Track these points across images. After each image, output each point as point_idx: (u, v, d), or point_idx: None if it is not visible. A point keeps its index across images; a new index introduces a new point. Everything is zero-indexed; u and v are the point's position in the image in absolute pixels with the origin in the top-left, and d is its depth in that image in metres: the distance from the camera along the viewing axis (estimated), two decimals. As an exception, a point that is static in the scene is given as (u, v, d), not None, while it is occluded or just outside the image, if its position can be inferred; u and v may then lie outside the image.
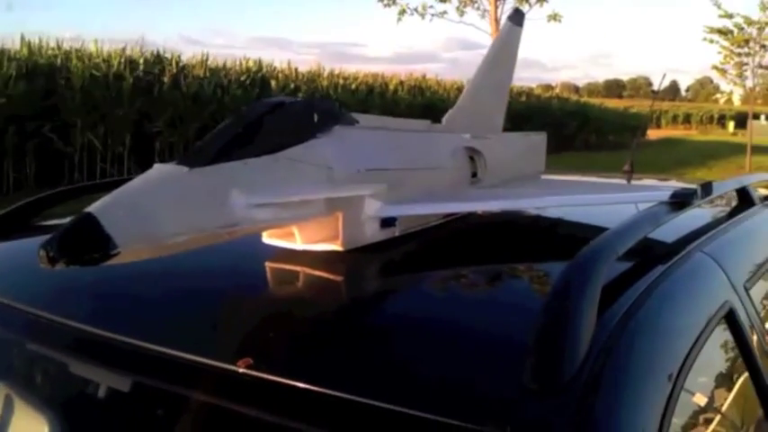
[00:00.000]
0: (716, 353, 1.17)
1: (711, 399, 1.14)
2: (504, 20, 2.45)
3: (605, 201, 1.58)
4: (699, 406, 1.07)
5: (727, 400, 1.19)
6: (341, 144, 1.20)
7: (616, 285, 1.02)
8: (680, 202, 1.25)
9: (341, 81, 16.70)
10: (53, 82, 10.76)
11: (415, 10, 9.40)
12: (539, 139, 2.06)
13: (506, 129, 2.07)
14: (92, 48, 12.16)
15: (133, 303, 1.13)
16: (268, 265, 1.21)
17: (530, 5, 9.31)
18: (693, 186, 1.30)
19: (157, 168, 0.95)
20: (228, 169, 0.98)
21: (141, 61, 12.45)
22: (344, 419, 0.81)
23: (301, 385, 0.83)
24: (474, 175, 1.59)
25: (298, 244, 1.18)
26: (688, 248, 1.25)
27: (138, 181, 0.92)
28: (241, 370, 0.85)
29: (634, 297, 0.99)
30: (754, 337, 1.22)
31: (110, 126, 11.17)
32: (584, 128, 25.26)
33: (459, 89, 19.86)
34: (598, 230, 1.03)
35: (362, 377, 0.86)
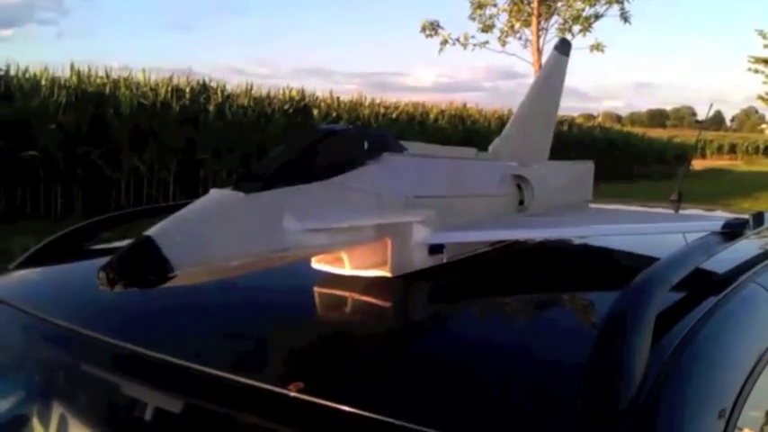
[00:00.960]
0: None
1: None
2: (548, 49, 2.46)
3: (655, 230, 1.57)
4: None
5: None
6: (389, 171, 1.21)
7: (669, 315, 1.01)
8: (731, 232, 1.24)
9: (382, 110, 16.82)
10: (102, 109, 11.05)
11: (457, 40, 9.41)
12: (586, 168, 2.05)
13: (549, 158, 2.06)
14: (140, 77, 12.47)
15: (183, 325, 1.15)
16: (317, 289, 1.22)
17: (572, 35, 9.27)
18: (745, 216, 1.29)
19: (214, 193, 0.98)
20: (282, 195, 1.00)
21: (187, 90, 12.73)
22: None
23: (346, 409, 0.83)
24: (521, 203, 1.59)
25: (347, 269, 1.19)
26: (741, 279, 1.24)
27: (196, 205, 0.94)
28: (292, 394, 0.86)
29: (688, 327, 0.98)
30: None
31: (156, 153, 11.40)
32: (627, 157, 25.01)
33: (501, 118, 19.88)
34: (649, 260, 1.03)
35: (410, 404, 0.86)
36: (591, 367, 0.79)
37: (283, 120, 13.55)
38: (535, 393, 0.86)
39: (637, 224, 1.66)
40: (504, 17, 9.43)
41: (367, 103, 16.83)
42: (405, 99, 18.72)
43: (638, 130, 40.20)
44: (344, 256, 1.18)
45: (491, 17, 9.45)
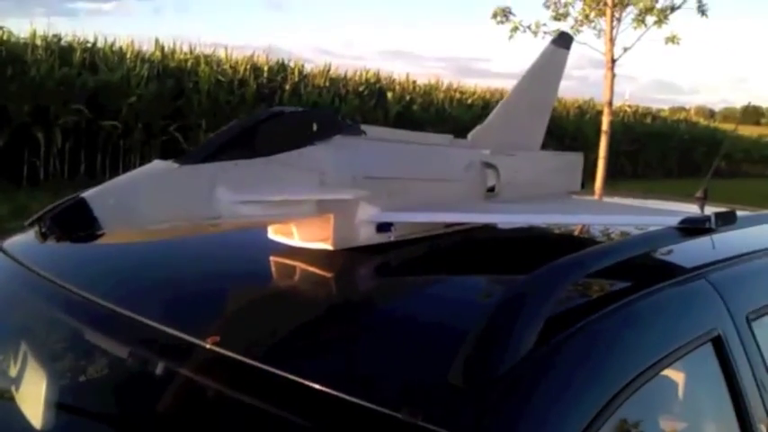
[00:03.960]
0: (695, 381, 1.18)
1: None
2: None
3: (611, 222, 1.65)
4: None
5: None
6: (338, 152, 1.27)
7: (582, 301, 1.05)
8: (690, 228, 1.25)
9: (457, 95, 16.74)
10: (182, 84, 11.41)
11: (528, 27, 9.24)
12: (574, 159, 2.06)
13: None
14: (221, 54, 12.80)
15: (144, 285, 1.25)
16: (271, 258, 1.31)
17: (645, 26, 8.98)
18: (707, 214, 1.29)
19: (153, 164, 1.06)
20: (218, 168, 1.07)
21: (266, 69, 12.99)
22: (284, 396, 0.90)
23: (246, 361, 0.94)
24: (492, 189, 1.62)
25: (295, 241, 1.27)
26: (688, 274, 1.25)
27: (135, 173, 1.03)
28: (208, 346, 0.94)
29: (596, 315, 1.00)
30: (743, 368, 1.19)
31: (231, 129, 11.68)
32: (713, 154, 24.13)
33: (580, 108, 19.50)
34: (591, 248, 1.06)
35: (308, 363, 0.95)
36: (468, 342, 0.84)
37: (357, 101, 13.67)
38: (419, 361, 0.93)
39: (596, 215, 1.74)
40: (578, 6, 9.20)
41: (443, 88, 16.78)
42: (482, 85, 18.60)
43: (729, 125, 38.57)
44: (294, 228, 1.26)
45: (565, 5, 9.24)
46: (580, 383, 0.91)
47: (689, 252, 1.36)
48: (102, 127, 10.30)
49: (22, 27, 10.93)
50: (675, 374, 1.14)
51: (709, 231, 1.27)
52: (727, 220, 1.29)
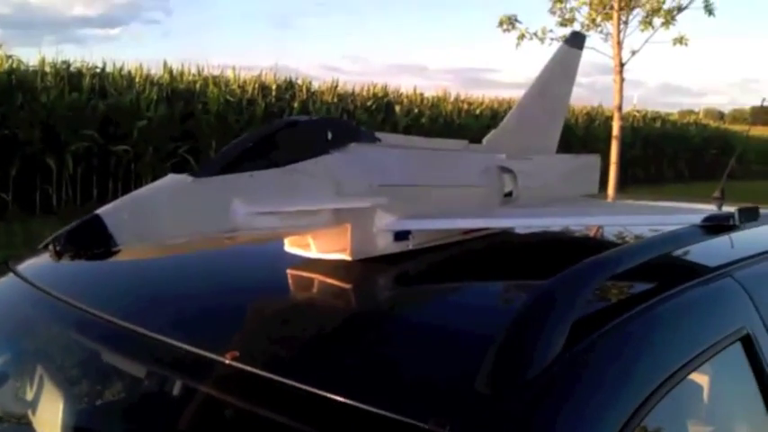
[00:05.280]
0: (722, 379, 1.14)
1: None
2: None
3: (631, 222, 1.62)
4: None
5: None
6: (354, 160, 1.25)
7: (607, 303, 1.02)
8: (713, 225, 1.22)
9: (465, 106, 16.74)
10: (191, 106, 11.46)
11: (534, 34, 9.23)
12: (591, 161, 2.04)
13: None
14: (230, 74, 12.87)
15: (159, 302, 1.22)
16: (288, 270, 1.28)
17: (653, 28, 8.96)
18: (731, 211, 1.26)
19: (168, 178, 1.05)
20: (232, 180, 1.05)
21: (273, 87, 13.05)
22: (306, 410, 0.87)
23: (267, 375, 0.91)
24: (509, 194, 1.60)
25: (312, 252, 1.24)
26: (714, 272, 1.22)
27: (149, 187, 1.01)
28: (227, 362, 0.91)
29: (623, 317, 0.98)
30: None
31: (241, 148, 11.72)
32: (724, 156, 23.99)
33: (588, 114, 19.44)
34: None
35: (330, 375, 0.92)
36: (492, 351, 0.82)
37: (365, 116, 13.69)
38: (445, 369, 0.90)
39: (617, 216, 1.71)
40: (584, 10, 9.19)
41: (451, 100, 16.78)
42: (490, 95, 18.57)
43: (739, 127, 38.37)
44: (310, 239, 1.23)
45: (571, 10, 9.23)
46: (611, 388, 0.88)
47: (714, 250, 1.33)
48: (114, 151, 10.35)
49: (31, 55, 11.02)
50: (705, 375, 1.11)
51: (732, 228, 1.24)
52: (750, 216, 1.26)
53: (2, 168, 9.40)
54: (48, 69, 10.48)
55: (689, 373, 1.00)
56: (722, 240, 1.26)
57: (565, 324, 0.85)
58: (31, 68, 10.45)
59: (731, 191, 2.16)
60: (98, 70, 11.29)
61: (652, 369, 0.94)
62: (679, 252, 1.20)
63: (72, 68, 10.92)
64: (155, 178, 1.04)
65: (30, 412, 1.21)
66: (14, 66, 10.26)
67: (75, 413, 1.17)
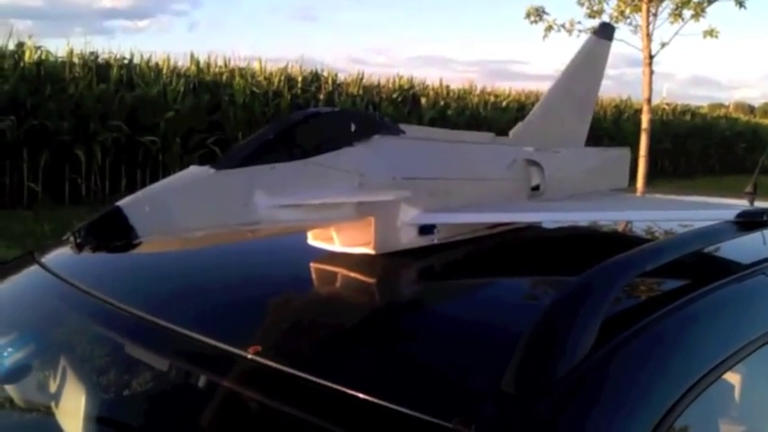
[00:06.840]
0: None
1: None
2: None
3: (663, 218, 1.58)
4: None
5: None
6: (377, 152, 1.22)
7: (640, 300, 0.99)
8: (747, 222, 1.19)
9: (492, 98, 16.63)
10: (218, 98, 11.52)
11: (562, 26, 9.13)
12: (620, 154, 1.99)
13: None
14: (256, 66, 12.91)
15: (181, 295, 1.22)
16: (312, 264, 1.26)
17: (683, 20, 8.80)
18: (764, 207, 1.22)
19: (189, 169, 1.03)
20: (254, 172, 1.03)
21: (299, 79, 13.06)
22: (328, 406, 0.85)
23: (290, 371, 0.89)
24: (536, 188, 1.57)
25: (336, 246, 1.22)
26: (747, 269, 1.19)
27: (171, 179, 1.00)
28: (250, 356, 0.90)
29: (655, 315, 0.95)
30: None
31: (267, 139, 11.78)
32: (755, 150, 23.62)
33: (617, 107, 19.23)
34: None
35: (353, 371, 0.90)
36: (519, 349, 0.80)
37: (391, 108, 13.66)
38: (470, 367, 0.88)
39: (647, 212, 1.66)
40: (613, 2, 9.06)
41: (477, 92, 16.68)
42: (517, 87, 18.43)
43: (770, 121, 37.81)
44: (334, 233, 1.21)
45: (600, 2, 9.10)
46: (641, 388, 0.85)
47: (746, 247, 1.30)
48: (141, 142, 10.44)
49: (60, 47, 11.12)
50: (739, 375, 1.08)
51: (766, 225, 1.21)
52: None
53: (31, 159, 9.53)
54: (76, 60, 10.58)
55: (722, 374, 0.97)
56: (755, 237, 1.23)
57: (594, 322, 0.82)
58: (59, 60, 10.55)
59: (762, 185, 2.12)
60: (126, 62, 11.36)
61: (684, 369, 0.92)
62: (711, 249, 1.18)
63: (100, 60, 11.00)
64: (182, 169, 1.04)
65: (53, 403, 1.21)
66: (43, 57, 10.36)
67: (98, 405, 1.16)
